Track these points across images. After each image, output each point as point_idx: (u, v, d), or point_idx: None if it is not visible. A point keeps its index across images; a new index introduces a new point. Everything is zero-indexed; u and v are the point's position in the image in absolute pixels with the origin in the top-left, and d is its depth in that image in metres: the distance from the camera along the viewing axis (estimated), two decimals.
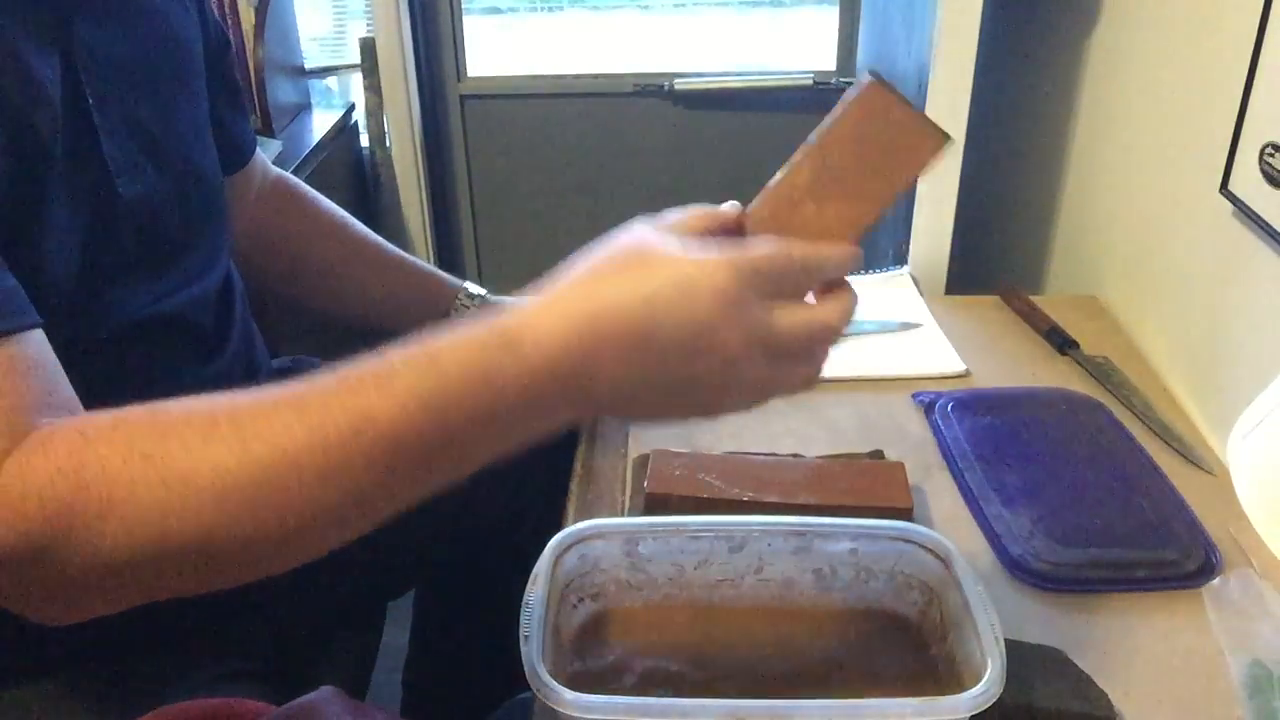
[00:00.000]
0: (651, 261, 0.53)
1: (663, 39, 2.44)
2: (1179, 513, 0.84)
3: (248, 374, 0.85)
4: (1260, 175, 0.86)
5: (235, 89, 0.93)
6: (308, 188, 1.06)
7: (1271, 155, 0.84)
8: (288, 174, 1.06)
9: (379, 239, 1.05)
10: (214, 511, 0.50)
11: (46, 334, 0.58)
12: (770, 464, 0.87)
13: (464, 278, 1.06)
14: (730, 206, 0.60)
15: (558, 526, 0.79)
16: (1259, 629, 0.71)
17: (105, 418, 0.52)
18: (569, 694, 0.58)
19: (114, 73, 0.71)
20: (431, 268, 1.07)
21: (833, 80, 2.04)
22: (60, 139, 0.64)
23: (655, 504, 0.82)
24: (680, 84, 2.04)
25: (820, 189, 0.58)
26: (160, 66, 0.76)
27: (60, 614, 0.54)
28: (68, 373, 0.58)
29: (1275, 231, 0.84)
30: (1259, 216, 0.86)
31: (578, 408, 0.54)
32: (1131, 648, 0.72)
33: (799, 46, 2.31)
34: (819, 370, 0.57)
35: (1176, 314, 1.05)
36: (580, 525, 0.70)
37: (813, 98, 2.07)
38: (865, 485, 0.82)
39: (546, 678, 0.59)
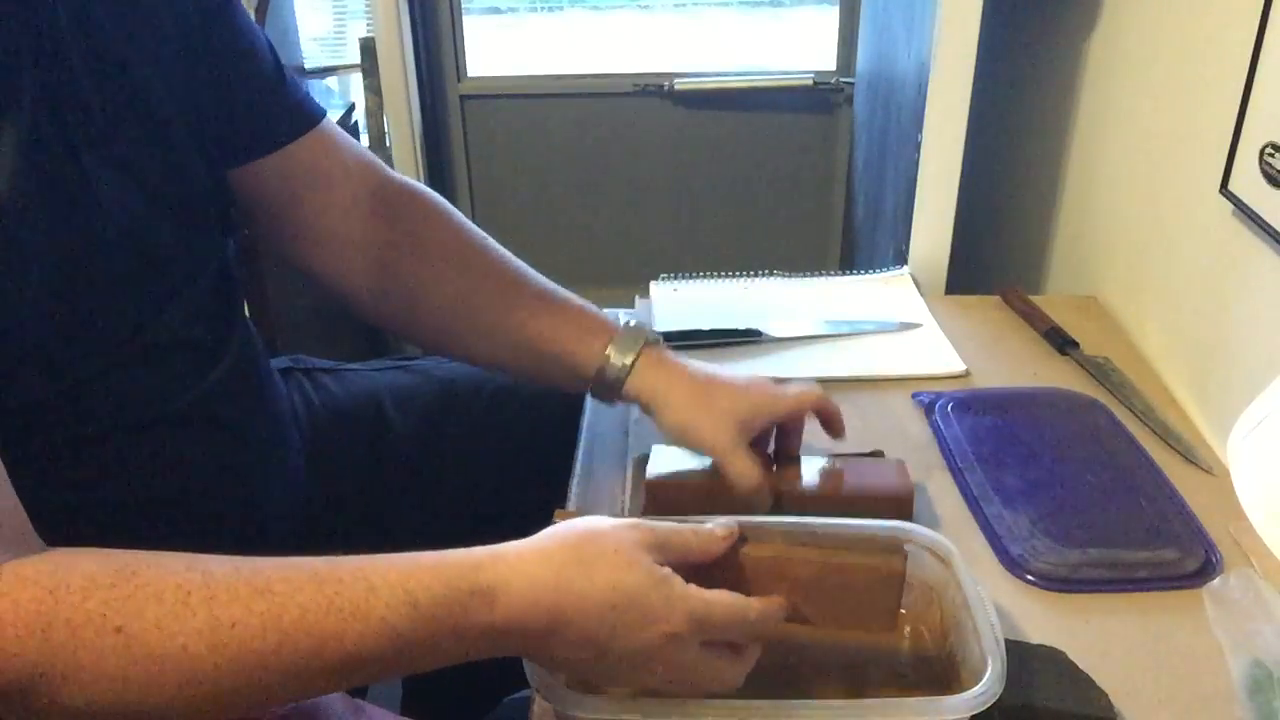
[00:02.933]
0: (623, 570, 0.59)
1: (663, 39, 2.44)
2: (1179, 513, 0.84)
3: (247, 380, 0.83)
4: (1260, 175, 0.86)
5: (255, 56, 0.83)
6: (440, 202, 0.91)
7: (1271, 155, 0.84)
8: (414, 184, 0.91)
9: (523, 270, 0.89)
10: (175, 690, 0.52)
11: (40, 366, 0.59)
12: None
13: None
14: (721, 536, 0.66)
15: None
16: (1259, 629, 0.71)
17: (76, 578, 0.52)
18: (569, 694, 0.58)
19: (87, 84, 0.68)
20: (582, 305, 0.88)
21: (833, 80, 2.04)
22: (32, 151, 0.62)
23: (653, 491, 0.81)
24: (680, 84, 2.04)
25: (803, 591, 0.64)
26: (125, 66, 0.71)
27: None
28: (61, 404, 0.59)
29: (1275, 231, 0.84)
30: (1259, 216, 0.86)
31: (531, 657, 0.60)
32: (1131, 648, 0.72)
33: (799, 46, 2.31)
34: (745, 668, 0.61)
35: (1176, 314, 1.05)
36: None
37: (813, 98, 2.07)
38: (862, 504, 0.79)
39: (546, 677, 0.59)
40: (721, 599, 0.60)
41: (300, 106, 0.86)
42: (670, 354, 0.85)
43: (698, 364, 0.85)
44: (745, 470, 0.78)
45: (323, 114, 0.88)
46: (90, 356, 0.68)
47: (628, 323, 0.86)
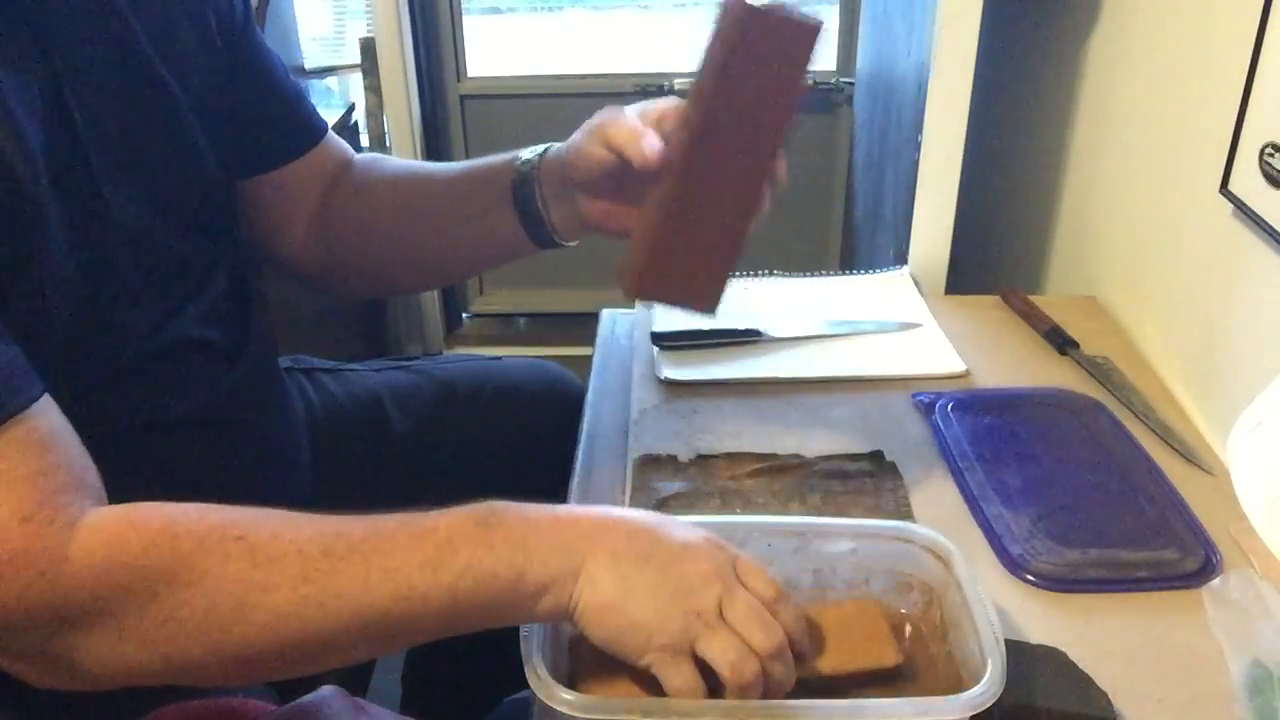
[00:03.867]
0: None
1: (663, 39, 2.44)
2: (1179, 513, 0.84)
3: (262, 384, 0.85)
4: (1260, 175, 0.86)
5: (272, 73, 0.88)
6: (387, 160, 0.96)
7: (1271, 155, 0.84)
8: (372, 156, 0.97)
9: (437, 173, 0.93)
10: (290, 590, 0.56)
11: (56, 369, 0.60)
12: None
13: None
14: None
15: None
16: (1259, 629, 0.71)
17: (189, 507, 0.58)
18: (569, 693, 0.58)
19: (102, 91, 0.69)
20: (474, 164, 0.91)
21: (833, 80, 2.04)
22: (47, 167, 0.63)
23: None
24: (680, 84, 2.04)
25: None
26: (150, 75, 0.74)
27: (76, 685, 0.58)
28: (78, 405, 0.60)
29: (1275, 231, 0.84)
30: (1259, 216, 0.86)
31: (570, 581, 0.60)
32: (1131, 648, 0.72)
33: None
34: (776, 638, 0.61)
35: (1176, 314, 1.05)
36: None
37: (813, 98, 2.07)
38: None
39: (546, 677, 0.59)
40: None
41: (309, 121, 0.91)
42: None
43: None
44: None
45: (325, 128, 0.92)
46: (107, 358, 0.69)
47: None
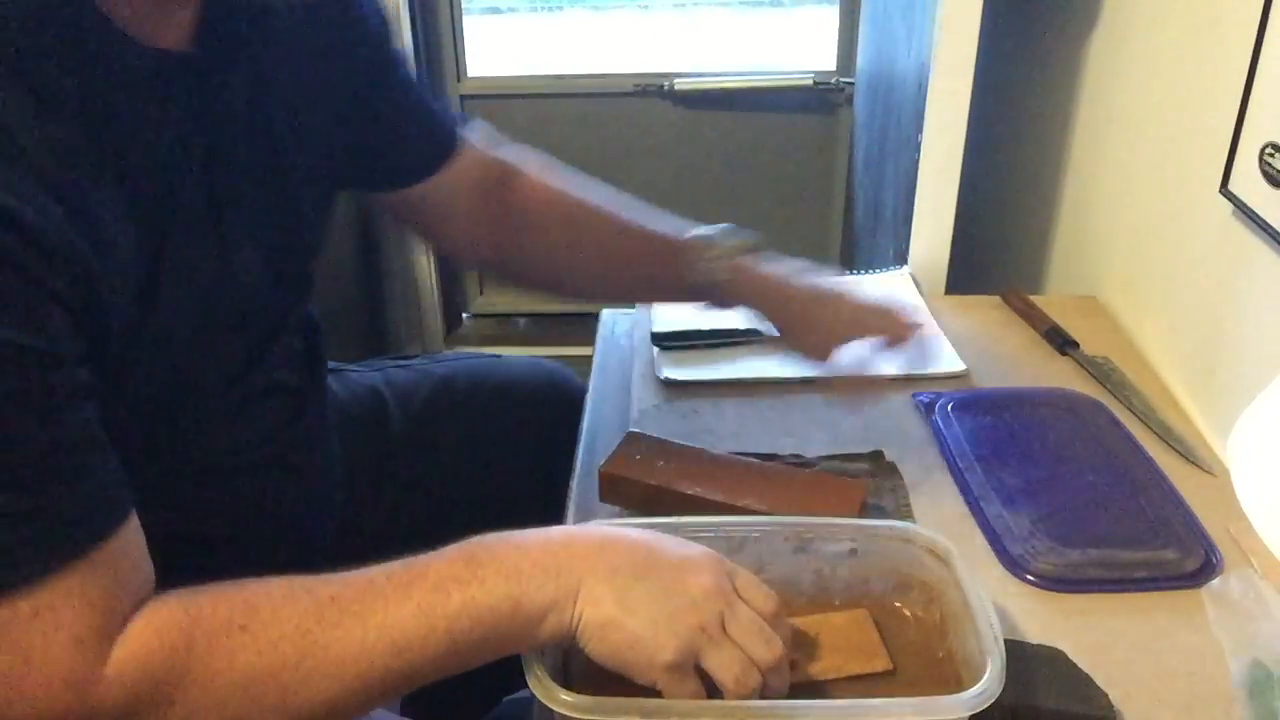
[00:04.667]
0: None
1: (663, 39, 2.44)
2: (1179, 513, 0.84)
3: (323, 426, 0.87)
4: (1260, 175, 0.86)
5: (408, 93, 0.89)
6: (533, 161, 1.00)
7: (1271, 155, 0.84)
8: (540, 162, 1.00)
9: (612, 206, 0.98)
10: (294, 667, 0.57)
11: (151, 404, 0.62)
12: (734, 464, 0.86)
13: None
14: None
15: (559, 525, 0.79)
16: (1259, 629, 0.71)
17: (205, 597, 0.58)
18: (568, 694, 0.58)
19: (241, 167, 0.71)
20: (662, 228, 0.96)
21: (833, 80, 2.04)
22: (189, 227, 0.66)
23: (606, 483, 0.83)
24: (680, 84, 2.04)
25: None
26: (279, 152, 0.75)
27: None
28: (164, 452, 0.63)
29: (1275, 231, 0.84)
30: (1259, 216, 0.86)
31: (569, 591, 0.61)
32: (1131, 648, 0.72)
33: (799, 46, 2.31)
34: (776, 652, 0.61)
35: (1176, 314, 1.05)
36: (579, 525, 0.70)
37: (813, 98, 2.07)
38: (816, 500, 0.80)
39: (546, 678, 0.59)
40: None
41: (449, 129, 0.93)
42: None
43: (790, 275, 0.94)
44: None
45: (455, 141, 0.94)
46: (191, 405, 0.70)
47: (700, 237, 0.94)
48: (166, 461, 0.62)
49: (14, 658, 0.52)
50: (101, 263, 0.57)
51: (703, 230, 0.94)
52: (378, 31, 0.85)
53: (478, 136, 0.96)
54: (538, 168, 0.99)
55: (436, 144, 0.92)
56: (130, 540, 0.58)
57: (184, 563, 0.59)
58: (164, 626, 0.56)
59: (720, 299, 0.93)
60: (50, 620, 0.53)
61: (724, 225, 0.95)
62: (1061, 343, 1.09)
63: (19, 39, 0.55)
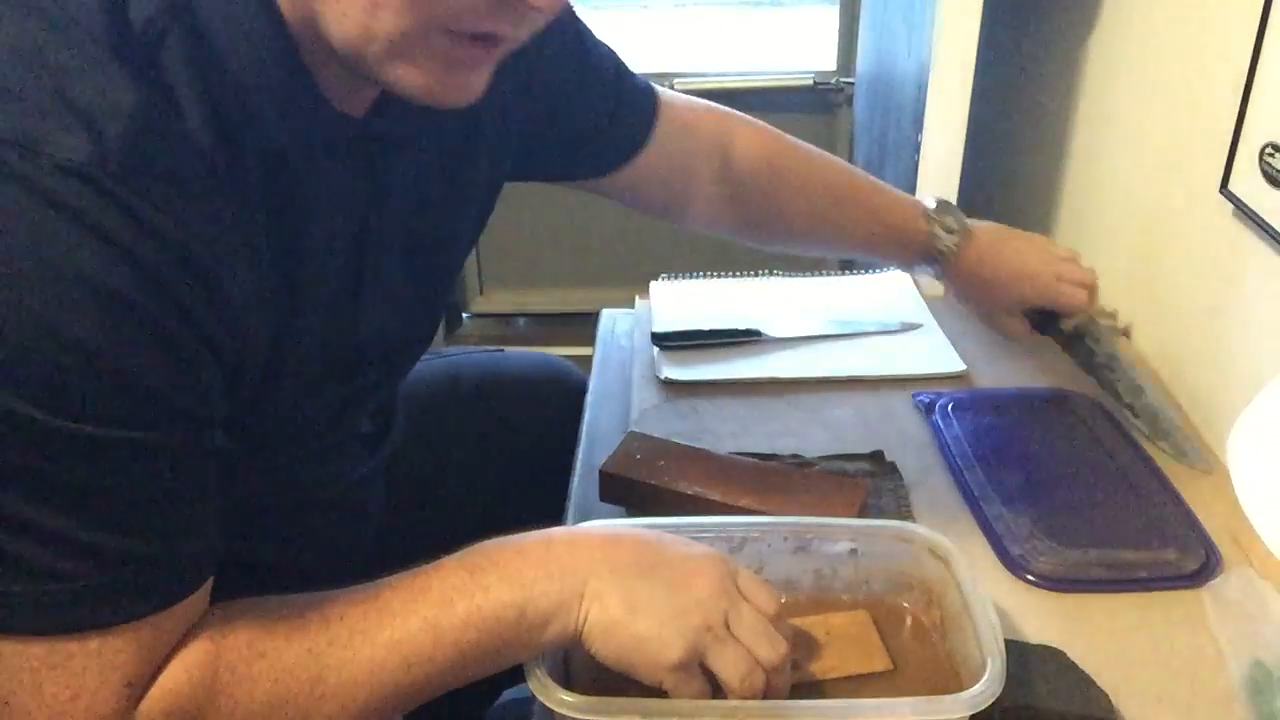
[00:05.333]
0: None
1: (663, 39, 2.44)
2: (1179, 513, 0.84)
3: (386, 467, 0.87)
4: (1260, 175, 0.86)
5: (602, 85, 0.87)
6: (762, 145, 0.99)
7: (1271, 155, 0.84)
8: (769, 135, 1.00)
9: (850, 172, 1.02)
10: (308, 691, 0.58)
11: (246, 445, 0.61)
12: (734, 464, 0.86)
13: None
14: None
15: (560, 524, 0.79)
16: (1259, 629, 0.71)
17: (231, 624, 0.58)
18: (569, 694, 0.58)
19: (397, 237, 0.70)
20: (895, 197, 1.02)
21: (833, 80, 2.04)
22: (329, 291, 0.65)
23: (606, 483, 0.83)
24: (680, 84, 2.04)
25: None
26: (440, 221, 0.74)
27: None
28: (253, 481, 0.64)
29: (1275, 231, 0.84)
30: (1259, 216, 0.86)
31: (576, 586, 0.61)
32: (1131, 648, 0.72)
33: (799, 46, 2.31)
34: (780, 650, 0.61)
35: (1176, 314, 1.05)
36: (581, 525, 0.70)
37: (813, 98, 2.07)
38: (816, 500, 0.80)
39: (546, 678, 0.59)
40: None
41: (645, 97, 0.91)
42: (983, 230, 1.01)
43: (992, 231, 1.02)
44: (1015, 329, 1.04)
45: (655, 94, 0.92)
46: (287, 447, 0.70)
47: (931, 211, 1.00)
48: (242, 494, 0.62)
49: (65, 690, 0.52)
50: (244, 322, 0.56)
51: (932, 201, 1.00)
52: (571, 25, 0.84)
53: (671, 100, 0.95)
54: (740, 124, 0.99)
55: (635, 125, 0.91)
56: (202, 598, 0.58)
57: (230, 584, 0.60)
58: (193, 664, 0.56)
59: (942, 272, 1.01)
60: (110, 661, 0.53)
61: (946, 200, 1.01)
62: (1041, 321, 1.04)
63: (241, 88, 0.53)
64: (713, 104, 0.98)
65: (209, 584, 0.58)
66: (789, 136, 1.00)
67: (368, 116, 0.63)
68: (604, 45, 0.88)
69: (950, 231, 0.99)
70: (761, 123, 0.99)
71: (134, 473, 0.51)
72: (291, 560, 0.77)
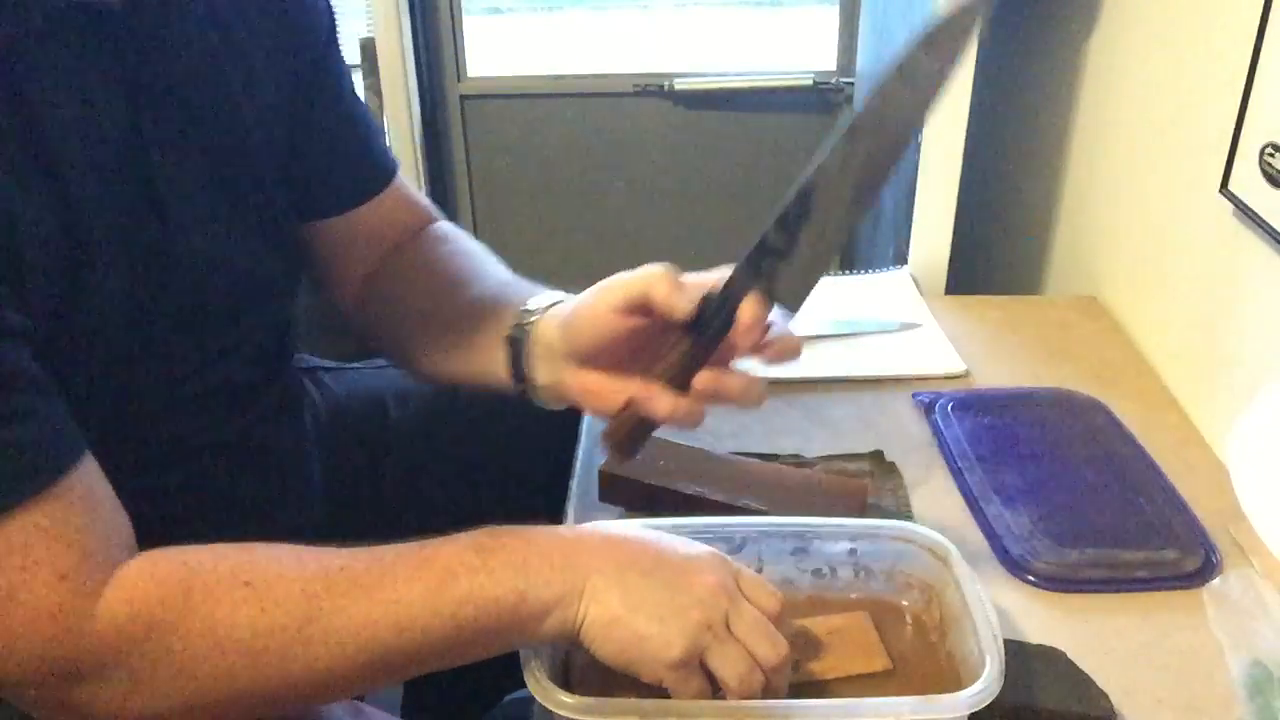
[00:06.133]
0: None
1: (663, 39, 2.44)
2: (1179, 513, 0.84)
3: (286, 411, 0.85)
4: (1260, 175, 0.86)
5: (347, 108, 0.84)
6: (450, 245, 0.88)
7: (1271, 155, 0.84)
8: (448, 232, 0.89)
9: (468, 285, 0.85)
10: (296, 630, 0.57)
11: (96, 390, 0.61)
12: (734, 464, 0.86)
13: None
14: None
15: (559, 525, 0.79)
16: (1259, 629, 0.71)
17: (204, 553, 0.59)
18: (568, 696, 0.58)
19: (184, 130, 0.68)
20: (497, 294, 0.83)
21: (833, 80, 2.04)
22: (113, 210, 0.63)
23: (606, 483, 0.83)
24: (680, 84, 2.04)
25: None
26: (231, 115, 0.72)
27: None
28: (118, 436, 0.62)
29: (1275, 231, 0.84)
30: (1259, 216, 0.86)
31: (576, 585, 0.61)
32: (1131, 648, 0.72)
33: (799, 46, 2.31)
34: (781, 651, 0.61)
35: (1176, 314, 1.05)
36: (583, 525, 0.70)
37: (813, 98, 2.07)
38: (816, 500, 0.80)
39: (545, 680, 0.59)
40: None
41: (380, 161, 0.86)
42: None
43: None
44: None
45: (395, 170, 0.87)
46: (145, 400, 0.69)
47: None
48: (115, 445, 0.61)
49: (2, 581, 0.53)
50: (15, 233, 0.56)
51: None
52: (328, 25, 0.81)
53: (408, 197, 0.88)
54: (447, 234, 0.89)
55: (366, 172, 0.85)
56: (92, 481, 0.58)
57: (161, 542, 0.60)
58: (161, 574, 0.57)
59: (525, 351, 0.77)
60: (25, 556, 0.54)
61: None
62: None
63: None
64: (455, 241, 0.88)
65: (99, 476, 0.58)
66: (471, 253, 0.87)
67: (114, 4, 0.62)
68: (354, 92, 0.85)
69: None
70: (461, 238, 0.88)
71: None
72: (219, 519, 0.76)
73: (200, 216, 0.70)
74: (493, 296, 0.82)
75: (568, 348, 0.74)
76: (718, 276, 0.68)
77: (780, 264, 0.68)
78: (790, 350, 0.70)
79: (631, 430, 0.71)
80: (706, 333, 0.67)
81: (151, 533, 0.61)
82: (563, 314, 0.76)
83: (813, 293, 0.68)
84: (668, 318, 0.68)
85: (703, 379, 0.67)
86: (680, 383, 0.68)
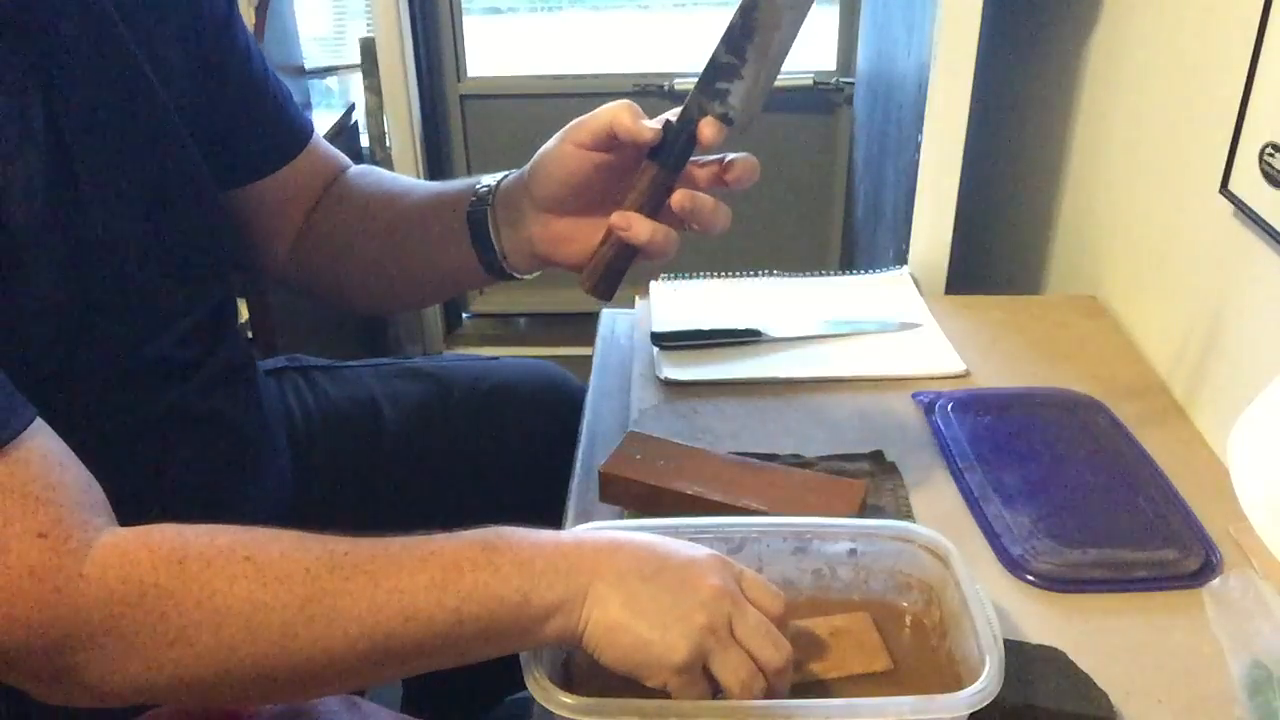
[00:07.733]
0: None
1: (663, 39, 2.44)
2: (1179, 513, 0.84)
3: (229, 378, 0.84)
4: (1260, 175, 0.86)
5: (254, 74, 0.85)
6: (373, 176, 0.92)
7: (1271, 155, 0.84)
8: (364, 169, 0.93)
9: (409, 194, 0.89)
10: (297, 609, 0.56)
11: (35, 370, 0.61)
12: (734, 464, 0.86)
13: None
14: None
15: (558, 527, 0.79)
16: (1259, 629, 0.71)
17: (200, 528, 0.58)
18: (568, 696, 0.58)
19: (94, 105, 0.69)
20: (441, 187, 0.87)
21: (833, 80, 2.04)
22: (40, 188, 0.64)
23: (606, 483, 0.83)
24: (680, 84, 2.04)
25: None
26: (141, 85, 0.73)
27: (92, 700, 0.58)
28: (63, 414, 0.61)
29: (1275, 231, 0.84)
30: (1259, 216, 0.86)
31: (580, 589, 0.60)
32: (1131, 648, 0.72)
33: (799, 46, 2.31)
34: (784, 655, 0.61)
35: (1176, 314, 1.05)
36: (580, 526, 0.70)
37: (813, 97, 2.07)
38: (816, 500, 0.80)
39: (545, 681, 0.59)
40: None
41: (294, 125, 0.88)
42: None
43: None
44: None
45: (310, 132, 0.89)
46: (86, 372, 0.70)
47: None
48: (60, 423, 0.61)
49: None
50: None
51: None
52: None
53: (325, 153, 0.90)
54: (363, 171, 0.92)
55: (283, 136, 0.87)
56: (51, 443, 0.58)
57: (127, 523, 0.59)
58: (155, 541, 0.56)
59: (491, 217, 0.81)
60: None
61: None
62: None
63: None
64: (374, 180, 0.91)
65: (55, 439, 0.58)
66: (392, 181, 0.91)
67: None
68: (260, 55, 0.86)
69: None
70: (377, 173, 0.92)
71: None
72: (190, 498, 0.76)
73: (120, 199, 0.71)
74: (436, 193, 0.87)
75: (537, 195, 0.78)
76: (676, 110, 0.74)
77: (732, 82, 0.74)
78: (750, 169, 0.78)
79: (609, 264, 0.73)
80: (672, 155, 0.73)
81: (115, 511, 0.60)
82: (523, 176, 0.80)
83: (761, 107, 0.76)
84: (634, 144, 0.73)
85: (677, 198, 0.73)
86: (651, 210, 0.73)
